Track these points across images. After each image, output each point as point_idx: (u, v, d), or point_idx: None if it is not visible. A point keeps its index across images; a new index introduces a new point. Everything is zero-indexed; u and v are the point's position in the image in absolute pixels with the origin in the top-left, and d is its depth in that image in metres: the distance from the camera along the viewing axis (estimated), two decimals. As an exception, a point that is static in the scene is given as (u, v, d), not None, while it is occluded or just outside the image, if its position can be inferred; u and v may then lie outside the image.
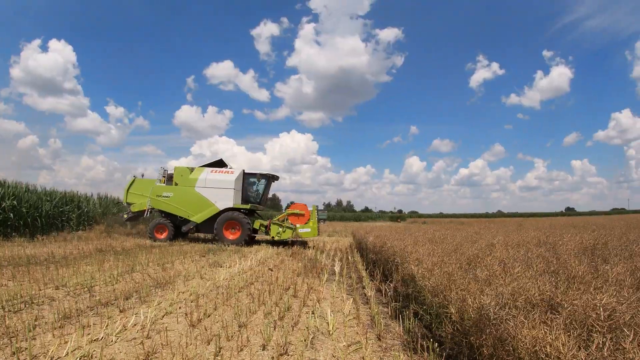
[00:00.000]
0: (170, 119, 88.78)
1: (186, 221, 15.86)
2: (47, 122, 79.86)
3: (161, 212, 16.40)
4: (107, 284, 7.11)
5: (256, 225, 15.59)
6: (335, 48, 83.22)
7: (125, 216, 17.48)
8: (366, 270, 8.41)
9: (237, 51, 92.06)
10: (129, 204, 16.98)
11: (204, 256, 11.41)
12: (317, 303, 5.67)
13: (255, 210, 16.96)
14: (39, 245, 13.48)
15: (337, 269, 8.39)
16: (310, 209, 15.58)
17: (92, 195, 22.35)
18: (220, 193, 15.47)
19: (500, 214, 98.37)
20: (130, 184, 17.04)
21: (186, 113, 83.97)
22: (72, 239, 15.75)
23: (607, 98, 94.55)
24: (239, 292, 6.53)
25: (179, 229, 16.08)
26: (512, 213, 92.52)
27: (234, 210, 15.41)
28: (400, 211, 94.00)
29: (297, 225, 15.26)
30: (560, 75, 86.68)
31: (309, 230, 15.06)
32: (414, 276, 4.27)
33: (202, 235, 18.23)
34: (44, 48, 69.48)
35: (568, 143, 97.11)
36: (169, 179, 16.46)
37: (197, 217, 15.67)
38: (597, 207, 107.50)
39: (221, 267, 9.34)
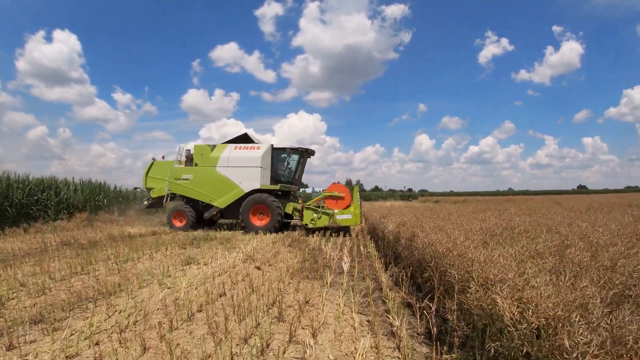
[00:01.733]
0: (178, 103, 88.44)
1: (208, 206, 13.85)
2: (55, 112, 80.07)
3: (182, 197, 14.52)
4: (31, 295, 5.16)
5: (288, 209, 13.34)
6: (341, 26, 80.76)
7: (145, 202, 15.44)
8: (385, 269, 6.21)
9: (242, 32, 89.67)
10: (149, 189, 15.00)
11: (185, 248, 9.36)
12: (312, 336, 3.51)
13: (290, 192, 14.88)
14: (0, 240, 11.57)
15: (345, 265, 6.23)
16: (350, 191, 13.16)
17: (72, 179, 20.37)
18: (245, 172, 13.41)
19: (511, 192, 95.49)
20: (149, 167, 15.02)
21: (193, 97, 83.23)
22: (47, 230, 13.86)
23: (618, 74, 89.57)
24: (199, 310, 4.41)
25: (201, 214, 14.11)
26: (523, 191, 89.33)
27: (262, 192, 13.27)
28: (410, 190, 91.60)
29: (336, 211, 12.70)
30: (570, 51, 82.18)
31: (349, 216, 12.26)
32: (501, 321, 2.08)
33: (227, 221, 16.28)
34: (48, 39, 68.44)
35: (579, 120, 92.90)
36: (189, 159, 14.43)
37: (220, 202, 13.60)
38: (609, 185, 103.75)
39: (196, 264, 7.26)
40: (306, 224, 12.72)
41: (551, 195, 48.10)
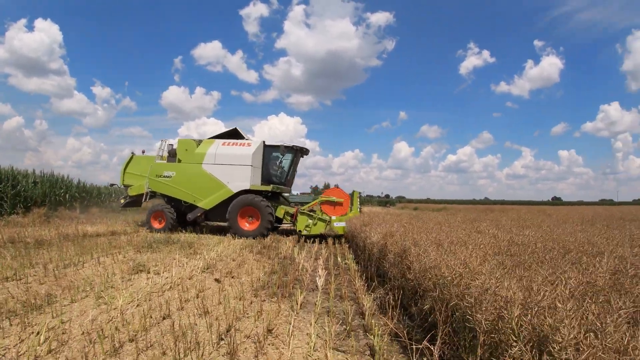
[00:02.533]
0: (157, 99, 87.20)
1: (192, 207, 12.62)
2: (32, 103, 78.46)
3: (163, 196, 13.25)
4: None
5: (279, 212, 12.19)
6: (325, 31, 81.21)
7: (122, 201, 14.12)
8: (367, 288, 5.34)
9: (226, 31, 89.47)
10: (126, 187, 13.64)
11: (140, 252, 8.25)
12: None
13: (280, 194, 13.76)
14: None
15: (320, 281, 5.34)
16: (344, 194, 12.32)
17: (33, 171, 18.69)
18: (234, 171, 12.20)
19: (487, 201, 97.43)
20: (128, 162, 13.66)
21: (174, 94, 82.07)
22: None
23: (596, 90, 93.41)
24: (130, 340, 3.42)
25: (184, 216, 12.90)
26: (499, 200, 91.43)
27: (252, 193, 12.08)
28: (387, 196, 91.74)
29: (333, 217, 11.88)
30: (550, 66, 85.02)
31: (346, 224, 11.29)
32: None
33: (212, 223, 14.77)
34: (30, 27, 66.80)
35: (556, 133, 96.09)
36: (172, 155, 13.19)
37: (206, 202, 12.36)
38: (583, 197, 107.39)
39: (147, 273, 6.21)
40: (300, 231, 11.75)
41: (531, 206, 48.78)
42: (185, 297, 4.77)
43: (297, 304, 4.57)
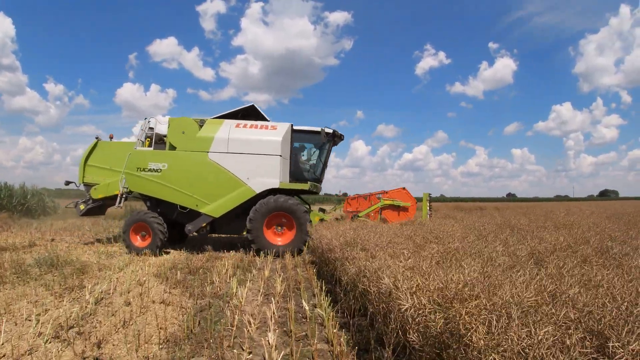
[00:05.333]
0: (112, 97, 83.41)
1: (193, 214, 8.99)
2: None
3: (145, 198, 9.45)
4: None
5: (315, 220, 9.09)
6: (283, 29, 79.83)
7: (82, 207, 9.62)
8: (343, 329, 2.72)
9: (182, 28, 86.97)
10: (88, 186, 9.55)
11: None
12: None
13: (300, 194, 10.18)
14: None
15: (270, 337, 2.69)
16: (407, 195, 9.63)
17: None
18: (256, 163, 8.97)
19: (442, 198, 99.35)
20: (90, 152, 9.64)
21: (128, 91, 78.96)
22: None
23: (549, 91, 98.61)
24: None
25: (180, 228, 9.37)
26: (454, 198, 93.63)
27: (282, 193, 8.94)
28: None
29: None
30: (504, 67, 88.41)
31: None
32: None
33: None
34: None
35: (509, 132, 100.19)
36: (160, 140, 9.59)
37: (214, 207, 8.86)
38: (535, 193, 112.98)
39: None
40: None
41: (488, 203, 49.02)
42: None
43: None
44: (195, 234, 9.06)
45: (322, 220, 9.21)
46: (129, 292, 5.11)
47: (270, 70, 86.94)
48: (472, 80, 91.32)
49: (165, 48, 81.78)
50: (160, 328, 3.72)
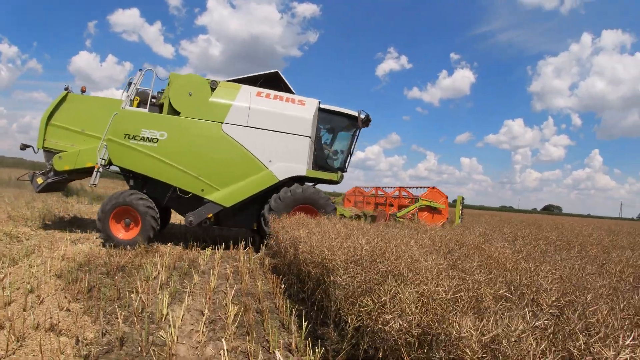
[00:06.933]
0: (66, 65, 77.77)
1: (196, 200, 7.07)
2: None
3: (129, 174, 7.19)
4: None
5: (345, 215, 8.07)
6: (250, 13, 77.28)
7: (39, 180, 7.34)
8: None
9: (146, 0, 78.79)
10: (49, 152, 7.31)
11: None
12: None
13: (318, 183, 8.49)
14: None
15: None
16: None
17: None
18: (282, 144, 7.28)
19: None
20: (56, 107, 7.32)
21: (83, 59, 74.94)
22: None
23: (503, 106, 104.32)
24: None
25: (164, 214, 7.67)
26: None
27: (308, 181, 7.68)
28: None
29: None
30: (463, 78, 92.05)
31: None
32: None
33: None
34: None
35: (460, 141, 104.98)
36: (156, 103, 7.51)
37: (225, 195, 7.04)
38: (481, 202, 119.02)
39: None
40: None
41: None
42: None
43: None
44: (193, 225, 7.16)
45: (354, 217, 8.31)
46: (9, 304, 3.46)
47: (231, 54, 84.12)
48: (431, 87, 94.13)
49: (127, 19, 77.08)
50: None
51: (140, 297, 3.80)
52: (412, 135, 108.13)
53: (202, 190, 6.99)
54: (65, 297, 3.76)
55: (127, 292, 4.02)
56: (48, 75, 75.71)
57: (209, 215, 7.08)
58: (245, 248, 7.07)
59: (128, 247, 6.36)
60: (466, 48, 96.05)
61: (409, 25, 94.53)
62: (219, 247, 6.90)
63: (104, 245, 6.58)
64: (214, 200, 7.01)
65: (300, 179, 7.52)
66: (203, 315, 3.48)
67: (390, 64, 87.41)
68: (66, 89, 7.38)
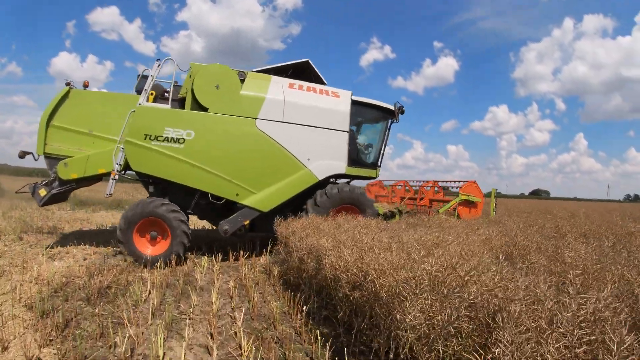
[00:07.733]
0: (46, 66, 72.18)
1: (228, 206, 6.37)
2: None
3: (149, 180, 6.33)
4: None
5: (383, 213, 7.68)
6: (230, 7, 75.02)
7: (42, 192, 6.28)
8: None
9: None
10: (51, 159, 6.31)
11: None
12: None
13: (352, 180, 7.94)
14: None
15: None
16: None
17: None
18: (320, 140, 6.68)
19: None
20: (57, 106, 6.33)
21: (64, 60, 68.95)
22: None
23: (487, 93, 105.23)
24: None
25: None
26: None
27: (348, 179, 7.40)
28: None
29: None
30: (446, 66, 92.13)
31: None
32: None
33: None
34: None
35: (445, 129, 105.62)
36: (178, 98, 6.54)
37: (262, 198, 6.33)
38: None
39: None
40: None
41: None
42: None
43: None
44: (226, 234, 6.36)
45: (395, 213, 8.17)
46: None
47: (213, 49, 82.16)
48: (415, 76, 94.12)
49: (106, 17, 73.74)
50: None
51: (130, 331, 3.08)
52: (398, 124, 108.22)
53: (237, 194, 6.26)
54: (35, 340, 3.01)
55: (111, 326, 3.29)
56: (28, 78, 72.78)
57: (245, 223, 6.33)
58: (245, 256, 6.34)
59: (151, 264, 5.56)
60: (449, 36, 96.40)
61: (391, 14, 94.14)
62: (216, 255, 6.15)
63: (84, 260, 5.79)
64: (251, 205, 6.30)
65: (342, 177, 7.12)
66: (210, 355, 2.78)
67: (374, 54, 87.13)
68: (68, 84, 6.46)
